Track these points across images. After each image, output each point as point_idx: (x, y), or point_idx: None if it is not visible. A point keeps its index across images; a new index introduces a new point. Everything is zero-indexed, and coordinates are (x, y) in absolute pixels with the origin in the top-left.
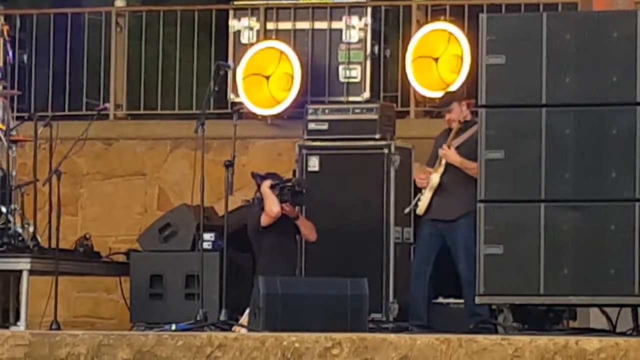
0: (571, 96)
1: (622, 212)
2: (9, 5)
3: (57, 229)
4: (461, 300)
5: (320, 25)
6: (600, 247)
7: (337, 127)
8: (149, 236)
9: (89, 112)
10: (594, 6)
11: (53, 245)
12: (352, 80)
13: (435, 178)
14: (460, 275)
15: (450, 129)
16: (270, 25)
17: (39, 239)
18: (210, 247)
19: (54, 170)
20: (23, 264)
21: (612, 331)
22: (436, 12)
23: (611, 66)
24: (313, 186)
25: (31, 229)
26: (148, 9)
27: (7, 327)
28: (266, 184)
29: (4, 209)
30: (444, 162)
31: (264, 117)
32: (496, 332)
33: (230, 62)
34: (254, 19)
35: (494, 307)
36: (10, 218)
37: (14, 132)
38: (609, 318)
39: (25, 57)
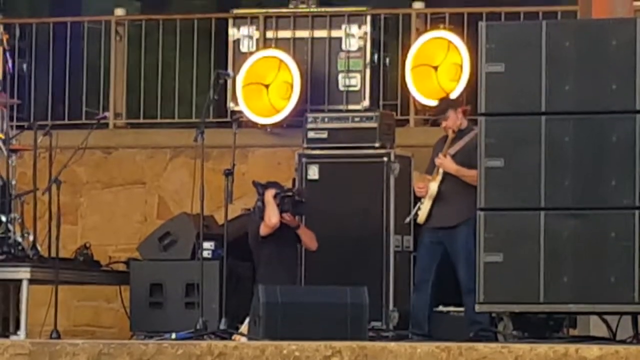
0: (571, 104)
1: (622, 219)
2: (8, 14)
3: (57, 238)
4: (461, 309)
5: (320, 33)
6: (600, 255)
7: (337, 136)
8: (149, 245)
9: (88, 121)
10: (594, 14)
11: (53, 254)
12: (351, 88)
13: (433, 187)
14: (460, 282)
15: (447, 136)
16: (269, 34)
17: (39, 248)
18: (210, 256)
19: (54, 179)
20: (23, 273)
21: (612, 339)
22: (435, 21)
23: (610, 74)
24: (313, 195)
25: (31, 238)
26: (147, 18)
27: (7, 336)
28: (270, 193)
29: (4, 218)
30: (441, 170)
31: (264, 126)
32: (496, 340)
33: (229, 70)
34: (254, 27)
35: (494, 315)
36: (10, 227)
37: (13, 141)
38: (609, 326)
39: (24, 66)
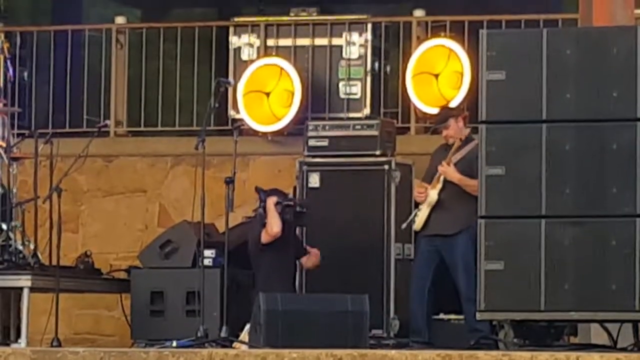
0: (571, 112)
1: (623, 227)
2: (9, 23)
3: (58, 246)
4: (462, 316)
5: (321, 41)
6: (601, 263)
7: (338, 144)
8: (150, 253)
9: (89, 129)
10: (594, 22)
11: (54, 262)
12: (352, 96)
13: (433, 195)
14: (460, 291)
15: (446, 144)
16: (270, 42)
17: (40, 256)
18: (210, 264)
19: (55, 188)
20: (24, 281)
21: (613, 347)
22: (436, 28)
23: (611, 81)
24: (313, 203)
25: (32, 246)
26: (148, 26)
27: (8, 345)
28: (272, 200)
29: (4, 226)
30: (442, 178)
31: (265, 134)
32: (497, 348)
33: (230, 78)
34: (254, 35)
35: (494, 323)
36: (11, 235)
37: (14, 150)
38: (610, 334)
39: (25, 74)
